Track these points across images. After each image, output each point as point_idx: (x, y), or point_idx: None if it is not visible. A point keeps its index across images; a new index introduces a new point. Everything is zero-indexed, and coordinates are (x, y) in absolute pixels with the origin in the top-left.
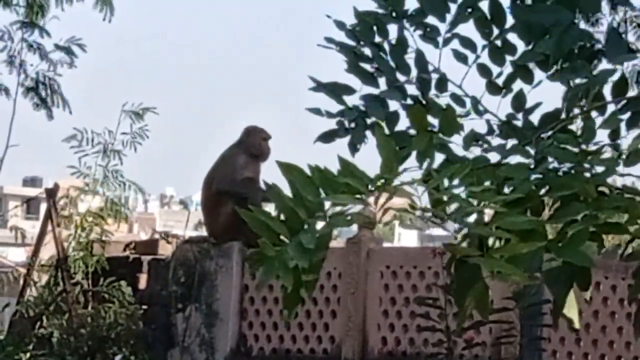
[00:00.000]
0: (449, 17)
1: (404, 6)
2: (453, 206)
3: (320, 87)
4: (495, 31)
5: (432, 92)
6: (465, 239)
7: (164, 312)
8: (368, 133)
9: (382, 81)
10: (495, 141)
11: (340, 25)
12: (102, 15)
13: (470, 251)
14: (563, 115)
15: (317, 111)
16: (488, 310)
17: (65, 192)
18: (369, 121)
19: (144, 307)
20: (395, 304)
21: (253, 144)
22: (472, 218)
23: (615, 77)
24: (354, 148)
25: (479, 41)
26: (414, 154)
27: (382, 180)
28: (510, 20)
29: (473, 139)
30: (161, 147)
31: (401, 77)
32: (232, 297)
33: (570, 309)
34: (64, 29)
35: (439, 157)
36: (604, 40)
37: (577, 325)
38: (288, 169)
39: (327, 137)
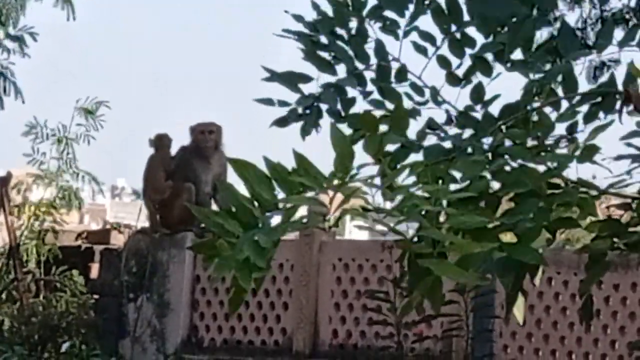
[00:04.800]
0: (407, 12)
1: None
2: (405, 205)
3: (274, 76)
4: (454, 25)
5: (392, 83)
6: (417, 235)
7: (115, 302)
8: (322, 119)
9: (340, 69)
10: (453, 131)
11: (298, 18)
12: (66, 15)
13: (422, 248)
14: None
15: (268, 101)
16: (440, 303)
17: (17, 180)
18: (324, 108)
19: (96, 296)
20: (347, 296)
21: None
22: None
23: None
24: (305, 132)
25: (439, 34)
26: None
27: (337, 180)
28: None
29: (428, 126)
30: (112, 139)
31: (360, 66)
32: (183, 288)
33: (516, 304)
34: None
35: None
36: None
37: (520, 320)
38: (241, 167)
39: (281, 122)
